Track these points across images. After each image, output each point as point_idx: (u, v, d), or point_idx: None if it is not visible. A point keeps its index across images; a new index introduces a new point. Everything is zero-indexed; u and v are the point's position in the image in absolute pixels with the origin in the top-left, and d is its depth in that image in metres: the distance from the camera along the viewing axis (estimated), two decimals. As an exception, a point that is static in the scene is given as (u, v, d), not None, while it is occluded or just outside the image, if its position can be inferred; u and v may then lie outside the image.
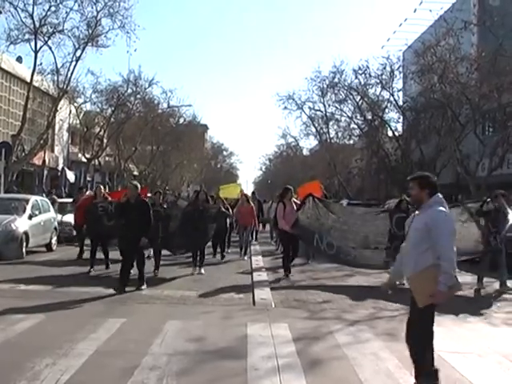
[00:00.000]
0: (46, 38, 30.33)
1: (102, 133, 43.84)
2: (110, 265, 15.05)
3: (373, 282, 14.42)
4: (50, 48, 31.20)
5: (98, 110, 44.15)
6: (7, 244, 16.46)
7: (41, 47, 30.35)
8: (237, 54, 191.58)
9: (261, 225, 29.34)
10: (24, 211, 17.98)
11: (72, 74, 33.36)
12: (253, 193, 31.60)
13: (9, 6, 28.85)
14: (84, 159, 43.70)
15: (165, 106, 49.03)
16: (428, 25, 38.34)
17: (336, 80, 41.80)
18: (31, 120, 35.69)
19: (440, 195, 6.06)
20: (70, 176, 41.36)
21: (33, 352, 7.12)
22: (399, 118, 43.26)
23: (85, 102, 42.67)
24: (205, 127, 75.69)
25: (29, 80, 31.58)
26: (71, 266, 15.50)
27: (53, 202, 22.22)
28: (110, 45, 32.37)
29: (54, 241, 19.77)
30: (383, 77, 39.16)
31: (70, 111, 42.26)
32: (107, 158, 50.00)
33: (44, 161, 37.01)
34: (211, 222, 15.20)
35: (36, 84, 33.18)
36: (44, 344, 7.55)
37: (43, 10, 29.30)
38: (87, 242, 16.86)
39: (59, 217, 21.15)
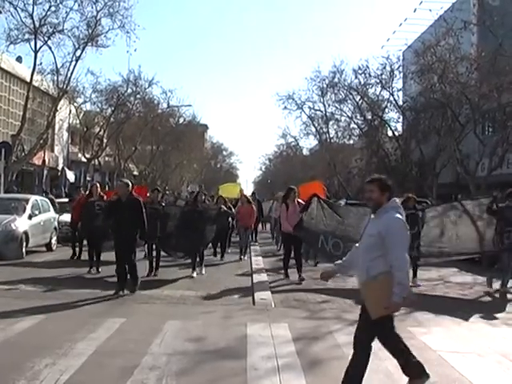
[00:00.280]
0: (46, 38, 30.33)
1: (101, 133, 43.83)
2: (101, 268, 14.58)
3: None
4: (50, 48, 31.24)
5: (98, 109, 44.15)
6: (7, 244, 16.45)
7: (40, 47, 30.37)
8: (237, 54, 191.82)
9: (260, 224, 29.31)
10: (24, 211, 17.98)
11: (72, 73, 33.40)
12: (253, 193, 31.61)
13: (9, 5, 28.88)
14: (84, 159, 43.72)
15: (165, 105, 49.05)
16: (428, 25, 38.33)
17: (336, 80, 41.80)
18: (31, 120, 35.68)
19: (397, 200, 5.91)
20: (70, 176, 41.41)
21: (32, 352, 7.13)
22: (399, 118, 43.26)
23: (85, 101, 42.74)
24: (205, 127, 75.71)
25: (29, 80, 31.56)
26: (71, 266, 15.49)
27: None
28: (109, 45, 32.38)
29: (53, 241, 19.76)
30: (383, 77, 39.15)
31: (70, 111, 42.26)
32: (107, 158, 49.98)
33: (44, 161, 37.01)
34: (210, 224, 14.91)
35: (36, 84, 33.17)
36: (44, 344, 7.56)
37: (43, 9, 29.33)
38: (84, 242, 16.92)
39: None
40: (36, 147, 32.73)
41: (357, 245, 6.12)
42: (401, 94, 41.63)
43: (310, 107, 47.81)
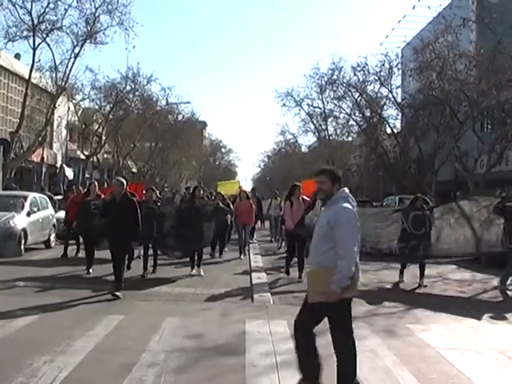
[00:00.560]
0: (45, 35, 30.34)
1: (100, 130, 43.79)
2: (100, 266, 14.05)
3: (370, 278, 14.46)
4: (49, 45, 31.28)
5: (97, 107, 44.11)
6: (5, 241, 16.40)
7: (39, 44, 30.39)
8: (236, 53, 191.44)
9: (259, 222, 29.22)
10: (22, 208, 17.94)
11: (70, 70, 33.44)
12: (253, 189, 31.54)
13: (7, 2, 28.92)
14: (82, 156, 43.72)
15: (163, 103, 49.00)
16: (426, 22, 38.37)
17: (335, 77, 41.78)
18: (29, 117, 35.63)
19: (346, 190, 5.78)
20: (69, 173, 41.37)
21: (31, 349, 7.13)
22: (398, 115, 43.31)
23: (83, 98, 42.74)
24: (203, 124, 75.67)
25: (27, 77, 31.57)
26: (70, 263, 15.47)
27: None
28: (108, 42, 32.43)
29: (52, 238, 19.72)
30: (382, 74, 39.19)
31: (69, 108, 42.24)
32: (106, 155, 49.94)
33: (42, 158, 36.98)
34: (207, 221, 14.41)
35: (34, 81, 33.17)
36: (42, 341, 7.56)
37: (41, 6, 29.38)
38: (77, 241, 16.91)
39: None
40: (34, 144, 32.74)
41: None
42: (399, 91, 41.68)
43: (308, 104, 47.89)
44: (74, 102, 41.57)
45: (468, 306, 11.23)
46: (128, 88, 42.97)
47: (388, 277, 14.80)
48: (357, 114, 44.19)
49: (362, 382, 6.37)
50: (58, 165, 42.48)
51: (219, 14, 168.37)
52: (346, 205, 5.54)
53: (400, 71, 39.52)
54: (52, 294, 11.08)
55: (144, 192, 17.09)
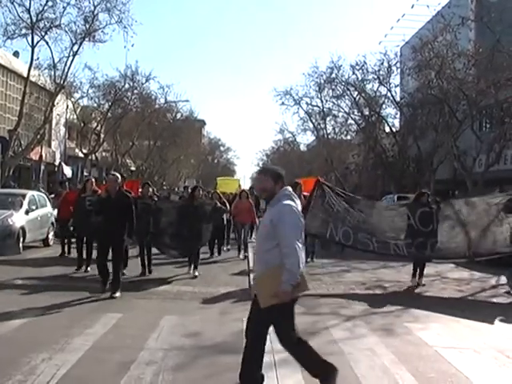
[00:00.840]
0: (43, 33, 30.29)
1: (98, 128, 43.75)
2: (90, 267, 13.74)
3: (369, 277, 14.48)
4: (47, 43, 31.21)
5: (95, 105, 44.08)
6: (4, 239, 16.37)
7: (38, 42, 30.32)
8: (236, 52, 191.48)
9: (258, 220, 29.08)
10: (21, 206, 17.92)
11: (69, 68, 33.37)
12: (251, 188, 31.49)
13: (6, 0, 28.84)
14: (81, 154, 43.68)
15: (162, 101, 48.99)
16: (425, 20, 38.40)
17: (333, 75, 41.83)
18: (28, 115, 35.61)
19: (289, 188, 5.68)
20: (67, 171, 41.37)
21: (29, 347, 7.13)
22: (396, 114, 43.42)
23: (82, 97, 42.68)
24: (202, 122, 75.66)
25: (26, 75, 31.51)
26: (68, 262, 15.45)
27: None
28: (107, 40, 32.39)
29: (50, 236, 19.71)
30: (380, 72, 39.28)
31: (67, 106, 42.21)
32: (104, 153, 49.90)
33: (41, 156, 36.93)
34: (206, 222, 14.21)
35: (33, 79, 33.14)
36: (40, 339, 7.56)
37: (40, 4, 29.33)
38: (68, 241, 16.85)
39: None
40: (33, 142, 32.71)
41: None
42: (398, 89, 41.74)
43: (307, 103, 47.88)
44: (72, 100, 41.51)
45: (466, 305, 11.26)
46: (126, 86, 43.00)
47: (386, 276, 14.81)
48: (355, 113, 44.29)
49: (360, 380, 6.39)
50: (57, 163, 42.48)
51: (218, 13, 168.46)
52: (289, 202, 5.45)
53: (399, 70, 39.59)
54: (50, 293, 11.05)
55: (140, 188, 16.69)
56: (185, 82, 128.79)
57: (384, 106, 42.34)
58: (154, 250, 14.29)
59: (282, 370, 6.62)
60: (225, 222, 18.97)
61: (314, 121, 50.00)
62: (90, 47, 33.07)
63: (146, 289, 11.85)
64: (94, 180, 15.94)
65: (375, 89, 41.46)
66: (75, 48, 32.02)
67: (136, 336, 7.90)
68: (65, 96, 39.05)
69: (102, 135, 44.59)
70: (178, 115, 54.31)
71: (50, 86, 35.14)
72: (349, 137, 50.66)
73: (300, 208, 5.64)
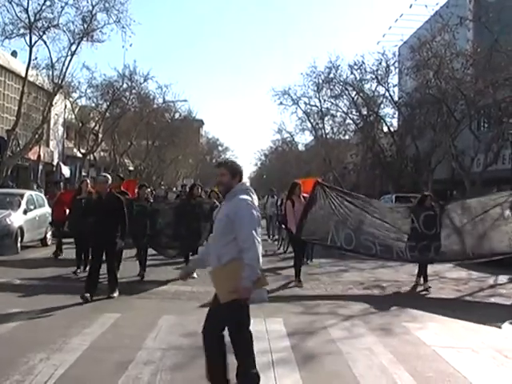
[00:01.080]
0: (41, 33, 30.24)
1: (97, 128, 43.67)
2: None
3: (367, 277, 14.48)
4: (45, 43, 31.17)
5: (94, 104, 43.96)
6: (2, 239, 16.36)
7: (36, 42, 30.27)
8: (235, 52, 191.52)
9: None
10: (19, 206, 17.92)
11: (67, 68, 33.30)
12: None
13: (3, 0, 28.81)
14: (79, 154, 43.60)
15: (160, 101, 48.92)
16: (424, 20, 38.44)
17: (332, 75, 41.76)
18: (26, 115, 35.53)
19: (247, 183, 5.63)
20: (65, 171, 41.32)
21: (27, 347, 7.12)
22: (394, 114, 43.42)
23: (80, 96, 42.52)
24: (200, 122, 75.70)
25: (24, 74, 31.45)
26: (66, 262, 15.44)
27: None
28: (105, 40, 32.35)
29: (48, 236, 19.69)
30: (379, 72, 39.25)
31: (65, 106, 42.13)
32: (102, 153, 49.89)
33: (39, 155, 36.89)
34: (204, 221, 13.80)
35: (31, 79, 33.06)
36: (38, 339, 7.55)
37: (38, 4, 29.24)
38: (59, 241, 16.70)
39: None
40: (31, 142, 32.66)
41: (212, 235, 5.85)
42: (396, 89, 41.76)
43: (305, 103, 47.84)
44: (70, 99, 41.43)
45: (464, 305, 11.28)
46: (125, 86, 42.89)
47: (385, 275, 14.82)
48: (354, 113, 44.28)
49: (358, 379, 6.39)
50: (55, 163, 42.41)
51: (217, 12, 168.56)
52: (245, 197, 5.39)
53: (397, 70, 39.57)
54: (48, 293, 11.04)
55: (137, 189, 16.45)
56: (183, 82, 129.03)
57: (382, 105, 42.39)
58: (150, 252, 14.12)
59: (279, 369, 6.62)
60: None
61: (312, 120, 50.01)
62: (88, 47, 33.03)
63: (143, 289, 11.84)
64: (89, 181, 15.82)
65: (373, 88, 41.50)
66: (73, 48, 32.00)
67: (134, 336, 7.89)
68: (63, 96, 38.97)
69: (100, 135, 44.51)
70: (177, 115, 54.30)
71: (48, 86, 35.09)
72: (347, 136, 50.71)
73: (257, 203, 5.58)
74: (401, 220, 13.39)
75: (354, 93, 41.64)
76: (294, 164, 65.29)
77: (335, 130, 49.56)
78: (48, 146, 43.20)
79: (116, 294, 10.80)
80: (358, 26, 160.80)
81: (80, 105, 43.82)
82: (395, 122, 44.26)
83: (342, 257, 15.74)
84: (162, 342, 7.64)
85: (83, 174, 42.27)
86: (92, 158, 44.93)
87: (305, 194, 13.85)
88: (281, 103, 47.71)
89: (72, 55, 32.39)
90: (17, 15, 29.21)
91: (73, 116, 42.87)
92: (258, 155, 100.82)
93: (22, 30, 29.60)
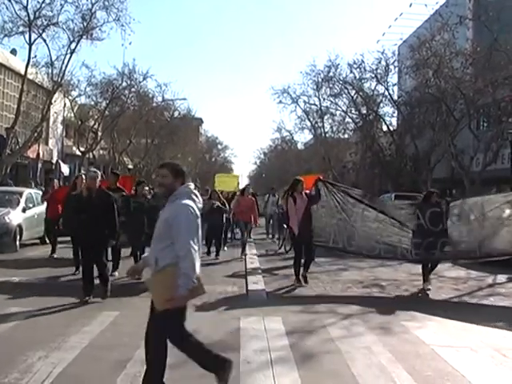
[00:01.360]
0: (41, 31, 30.21)
1: (96, 126, 43.66)
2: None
3: (366, 276, 14.48)
4: (45, 41, 31.12)
5: (93, 103, 43.91)
6: (1, 237, 16.40)
7: (35, 40, 30.24)
8: (234, 50, 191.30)
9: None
10: (18, 204, 17.93)
11: (66, 66, 33.27)
12: (247, 186, 31.34)
13: (3, -2, 28.76)
14: (78, 152, 43.56)
15: (159, 99, 48.86)
16: (423, 19, 38.50)
17: (331, 74, 41.75)
18: (25, 113, 35.51)
19: (191, 186, 5.48)
20: (65, 169, 41.28)
21: (25, 345, 7.12)
22: (394, 113, 43.37)
23: (79, 95, 42.48)
24: (200, 121, 75.58)
25: (23, 73, 31.44)
26: (65, 260, 15.41)
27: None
28: (104, 38, 32.28)
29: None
30: (378, 71, 39.22)
31: (65, 104, 42.09)
32: (101, 152, 49.83)
33: (38, 154, 36.87)
34: (201, 221, 13.61)
35: (30, 77, 33.04)
36: (37, 337, 7.55)
37: (37, 2, 29.18)
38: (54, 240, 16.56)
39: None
40: (30, 140, 32.64)
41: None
42: (396, 88, 41.75)
43: (304, 101, 47.88)
44: (70, 98, 41.40)
45: (463, 304, 11.28)
46: (124, 84, 42.79)
47: (384, 274, 14.82)
48: (353, 112, 44.26)
49: (357, 378, 6.38)
50: (54, 161, 42.38)
51: (217, 11, 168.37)
52: (187, 201, 5.26)
53: (396, 69, 39.56)
54: (47, 290, 11.04)
55: (135, 186, 16.14)
56: (182, 80, 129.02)
57: (381, 104, 42.36)
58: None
59: (278, 368, 6.62)
60: (223, 222, 18.32)
61: (311, 119, 50.03)
62: (88, 45, 32.93)
63: (143, 288, 11.76)
64: (84, 177, 15.56)
65: (373, 87, 41.48)
66: (73, 46, 31.96)
67: (133, 334, 7.86)
68: (62, 94, 38.97)
69: (100, 133, 44.51)
70: (176, 113, 54.18)
71: (48, 84, 35.08)
72: (346, 135, 50.69)
73: (201, 206, 5.47)
74: (405, 216, 13.18)
75: (354, 91, 41.64)
76: (294, 163, 65.28)
77: (334, 128, 49.58)
78: (47, 144, 43.19)
79: (108, 294, 10.54)
80: (357, 25, 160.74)
81: (79, 103, 43.83)
82: (394, 121, 44.31)
83: (341, 255, 15.71)
84: (161, 340, 7.63)
85: (82, 172, 42.16)
86: (91, 156, 44.88)
87: (307, 191, 13.53)
88: (280, 102, 47.79)
89: (71, 53, 32.38)
90: (16, 13, 29.22)
91: (72, 114, 42.83)
92: (257, 154, 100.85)
93: (21, 28, 29.60)
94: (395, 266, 15.75)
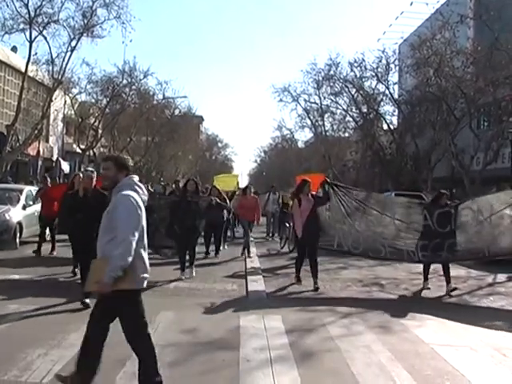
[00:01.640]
0: (41, 28, 30.28)
1: (96, 123, 43.68)
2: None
3: (365, 274, 14.48)
4: (45, 38, 31.22)
5: (93, 100, 43.97)
6: (1, 234, 16.38)
7: (36, 37, 30.33)
8: (235, 49, 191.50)
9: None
10: (18, 201, 17.91)
11: (67, 64, 33.36)
12: (249, 185, 31.25)
13: (4, -5, 28.77)
14: (78, 150, 43.60)
15: (160, 97, 48.86)
16: (424, 18, 38.42)
17: (332, 72, 41.73)
18: (26, 110, 35.54)
19: (135, 178, 5.53)
20: (65, 167, 41.29)
21: (25, 343, 7.12)
22: (394, 112, 43.31)
23: (80, 92, 42.56)
24: (200, 118, 75.60)
25: (24, 70, 31.47)
26: (65, 257, 15.40)
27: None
28: (105, 35, 32.41)
29: (47, 231, 19.59)
30: (379, 70, 39.18)
31: (65, 102, 42.13)
32: (102, 149, 49.81)
33: (38, 151, 36.90)
34: (199, 218, 13.49)
35: (31, 74, 33.08)
36: (36, 335, 7.54)
37: (38, -1, 29.22)
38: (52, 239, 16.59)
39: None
40: (31, 137, 32.68)
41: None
42: (396, 87, 41.77)
43: (305, 100, 47.84)
44: (70, 95, 41.46)
45: (463, 303, 11.27)
46: (124, 82, 42.84)
47: (383, 273, 14.82)
48: (353, 110, 44.21)
49: (357, 377, 6.38)
50: (54, 158, 42.38)
51: (217, 10, 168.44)
52: (129, 192, 5.29)
53: (397, 67, 39.52)
54: (47, 287, 11.05)
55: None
56: (183, 78, 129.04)
57: (382, 103, 42.33)
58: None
59: (277, 366, 6.61)
60: (224, 219, 17.99)
61: (311, 118, 49.99)
62: (88, 43, 33.05)
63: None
64: (81, 175, 15.40)
65: (373, 86, 41.45)
66: (73, 43, 32.07)
67: (132, 332, 7.87)
68: (63, 91, 39.00)
69: (100, 131, 44.53)
70: (176, 111, 54.24)
71: (48, 82, 35.11)
72: (347, 134, 50.63)
73: (145, 198, 5.53)
74: (412, 216, 13.06)
75: (354, 90, 41.62)
76: (294, 161, 65.27)
77: (335, 127, 49.52)
78: (47, 141, 43.21)
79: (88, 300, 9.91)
80: (357, 24, 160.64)
81: (80, 100, 43.85)
82: (395, 120, 44.26)
83: (341, 254, 15.70)
84: (160, 338, 7.60)
85: (82, 169, 42.16)
86: (91, 153, 44.89)
87: (313, 192, 13.34)
88: (280, 100, 47.77)
89: (72, 51, 32.46)
90: (17, 10, 29.30)
91: (72, 112, 42.89)
92: (257, 152, 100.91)
93: (22, 26, 29.69)
94: (395, 264, 15.71)
